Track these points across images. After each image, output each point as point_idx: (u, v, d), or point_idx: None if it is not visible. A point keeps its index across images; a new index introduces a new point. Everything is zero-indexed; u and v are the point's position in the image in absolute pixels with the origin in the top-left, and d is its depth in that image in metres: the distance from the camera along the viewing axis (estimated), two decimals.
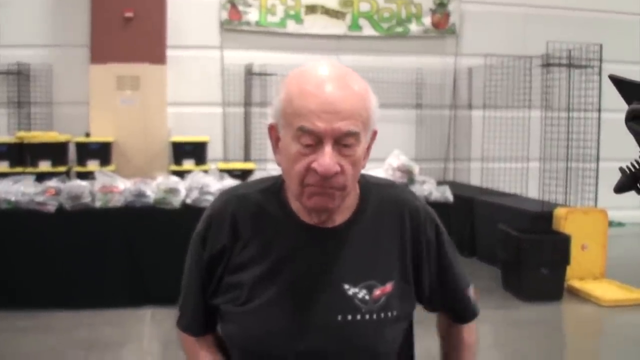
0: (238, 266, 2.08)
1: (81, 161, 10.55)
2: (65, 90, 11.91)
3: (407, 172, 9.08)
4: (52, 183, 8.39)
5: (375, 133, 2.06)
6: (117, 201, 8.24)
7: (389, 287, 2.08)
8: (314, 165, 1.89)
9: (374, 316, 2.06)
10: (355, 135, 1.91)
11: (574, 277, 9.19)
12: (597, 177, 10.06)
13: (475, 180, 12.82)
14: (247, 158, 12.37)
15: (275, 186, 2.15)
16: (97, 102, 11.15)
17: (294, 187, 1.97)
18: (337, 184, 1.93)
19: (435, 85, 13.63)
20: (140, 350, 7.01)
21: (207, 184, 8.50)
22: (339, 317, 2.02)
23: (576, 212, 9.62)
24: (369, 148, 2.05)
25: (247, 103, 12.71)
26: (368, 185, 2.18)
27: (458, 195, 9.70)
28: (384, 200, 2.17)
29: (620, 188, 1.55)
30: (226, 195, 2.21)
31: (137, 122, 11.14)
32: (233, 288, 2.07)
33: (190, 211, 8.25)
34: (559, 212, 9.55)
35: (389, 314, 2.08)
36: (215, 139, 12.23)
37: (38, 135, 10.71)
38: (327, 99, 1.89)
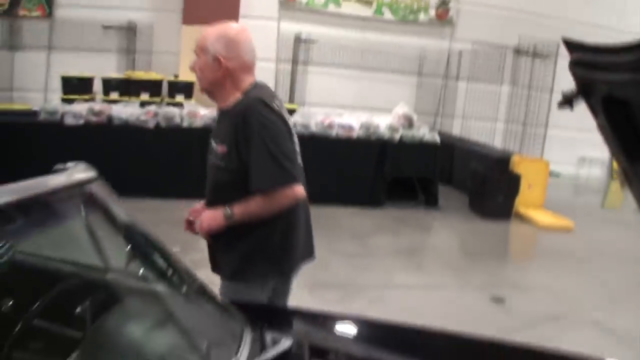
0: None
1: (171, 94, 10.77)
2: (162, 43, 12.12)
3: (409, 119, 9.36)
4: (152, 108, 8.77)
5: (218, 60, 2.64)
6: (198, 123, 8.61)
7: (224, 148, 2.65)
8: None
9: (218, 162, 2.68)
10: (196, 51, 2.72)
11: (521, 206, 9.49)
12: (544, 138, 10.33)
13: (456, 132, 12.98)
14: (291, 100, 12.55)
15: None
16: (185, 53, 11.30)
17: None
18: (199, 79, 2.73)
19: (433, 61, 13.68)
20: None
21: None
22: (214, 161, 2.72)
23: (526, 160, 9.90)
24: (220, 71, 2.65)
25: (295, 61, 12.86)
26: (247, 95, 2.67)
27: (443, 141, 9.88)
28: (244, 102, 2.63)
29: (560, 104, 1.48)
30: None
31: None
32: None
33: None
34: (514, 159, 9.82)
35: (222, 163, 2.65)
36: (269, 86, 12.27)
37: (141, 74, 10.98)
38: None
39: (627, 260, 7.59)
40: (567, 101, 1.36)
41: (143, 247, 1.95)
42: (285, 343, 1.72)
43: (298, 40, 12.79)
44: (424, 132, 9.48)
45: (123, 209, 1.91)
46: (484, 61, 12.50)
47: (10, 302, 1.83)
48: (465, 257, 7.58)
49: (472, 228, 8.79)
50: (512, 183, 9.29)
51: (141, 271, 1.90)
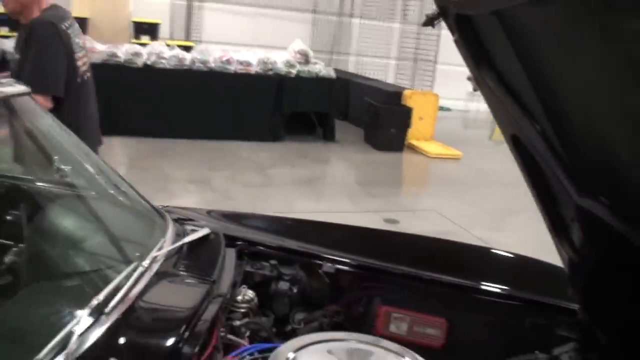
0: None
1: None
2: None
3: (305, 55, 9.63)
4: None
5: None
6: (96, 60, 8.54)
7: (20, 57, 3.18)
8: None
9: (17, 68, 3.20)
10: None
11: (412, 138, 10.01)
12: (434, 73, 10.88)
13: (351, 69, 13.29)
14: (187, 38, 12.53)
15: None
16: None
17: None
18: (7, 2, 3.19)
19: None
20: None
21: (162, 51, 8.92)
22: (14, 68, 3.26)
23: (417, 94, 10.43)
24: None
25: None
26: (42, 14, 3.20)
27: (339, 78, 10.19)
28: (36, 20, 3.18)
29: (424, 24, 1.66)
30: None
31: (108, 3, 10.96)
32: None
33: (150, 70, 8.67)
34: (406, 93, 10.32)
35: (19, 69, 3.17)
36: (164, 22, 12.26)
37: None
38: None
39: (510, 186, 8.26)
40: (430, 22, 1.58)
41: (68, 154, 2.18)
42: (205, 230, 2.02)
43: None
44: (320, 67, 9.75)
45: (50, 121, 2.13)
46: None
47: None
48: (361, 185, 8.03)
49: (367, 159, 9.24)
50: (403, 116, 9.75)
51: (69, 176, 2.13)
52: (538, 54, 1.31)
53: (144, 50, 8.79)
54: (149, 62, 8.71)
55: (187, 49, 10.26)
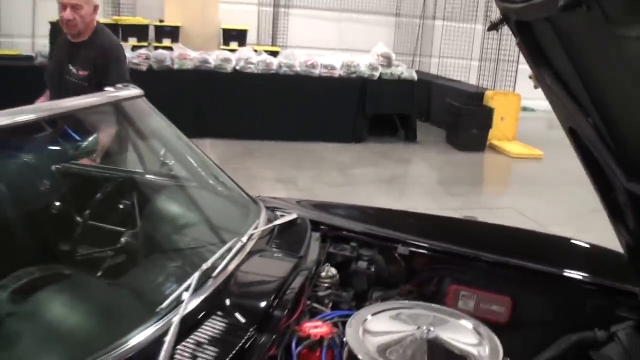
0: None
1: (158, 39, 11.05)
2: None
3: (387, 58, 9.81)
4: (143, 51, 9.12)
5: (96, 7, 3.73)
6: (189, 64, 9.00)
7: (85, 72, 3.68)
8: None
9: (78, 81, 3.67)
10: (77, 4, 3.59)
11: (494, 138, 10.03)
12: (515, 73, 10.81)
13: (433, 71, 13.32)
14: (273, 43, 12.89)
15: None
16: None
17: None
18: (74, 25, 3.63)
19: (409, 1, 13.92)
20: None
21: (250, 57, 9.30)
22: (67, 77, 3.72)
23: (499, 94, 10.40)
24: (94, 15, 3.73)
25: (276, 4, 13.12)
26: (103, 31, 3.79)
27: (421, 79, 10.33)
28: (105, 37, 3.79)
29: (489, 29, 1.85)
30: None
31: (198, 12, 11.27)
32: None
33: (239, 74, 9.06)
34: (488, 93, 10.33)
35: (85, 83, 3.63)
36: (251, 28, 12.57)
37: (128, 19, 11.29)
38: None
39: (590, 186, 8.20)
40: (494, 27, 1.78)
41: (175, 149, 2.48)
42: (293, 215, 2.28)
43: None
44: (402, 70, 9.90)
45: (160, 120, 2.42)
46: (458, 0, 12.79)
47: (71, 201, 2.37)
48: (441, 184, 8.15)
49: (448, 159, 9.34)
50: (484, 116, 9.79)
51: (175, 169, 2.44)
52: (584, 54, 1.50)
53: (233, 56, 9.19)
54: (237, 67, 9.10)
55: (274, 53, 10.53)
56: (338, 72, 9.52)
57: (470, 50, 12.41)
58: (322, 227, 2.39)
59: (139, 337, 1.43)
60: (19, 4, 12.02)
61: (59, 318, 1.60)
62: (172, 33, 11.07)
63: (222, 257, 1.75)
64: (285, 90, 9.15)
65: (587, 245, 2.69)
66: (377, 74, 9.63)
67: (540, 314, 2.26)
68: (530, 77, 1.90)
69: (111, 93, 2.18)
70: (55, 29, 10.14)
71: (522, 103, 10.78)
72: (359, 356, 1.57)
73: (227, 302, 1.66)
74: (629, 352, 1.97)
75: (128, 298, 1.71)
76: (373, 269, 2.31)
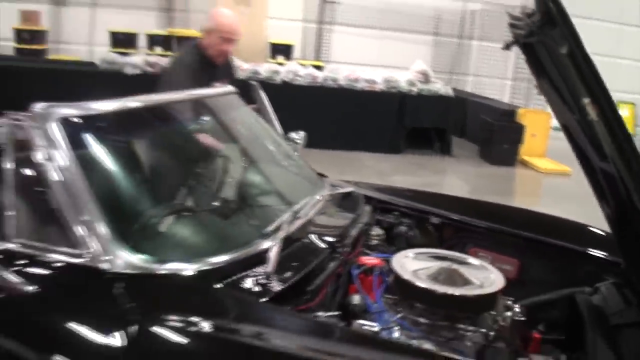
0: None
1: None
2: (199, 2, 12.83)
3: (425, 75, 10.45)
4: None
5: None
6: (241, 76, 9.71)
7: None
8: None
9: None
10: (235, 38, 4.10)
11: (524, 153, 10.59)
12: None
13: (469, 89, 13.93)
14: (317, 58, 13.59)
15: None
16: None
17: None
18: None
19: (447, 21, 14.35)
20: None
21: (297, 70, 10.03)
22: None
23: (531, 112, 10.96)
24: None
25: (321, 22, 13.84)
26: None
27: (457, 96, 10.95)
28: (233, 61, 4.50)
29: (502, 48, 2.39)
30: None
31: (247, 27, 12.00)
32: None
33: (287, 86, 9.80)
34: (520, 111, 10.89)
35: None
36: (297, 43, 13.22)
37: (181, 31, 12.06)
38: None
39: None
40: (507, 47, 2.33)
41: (261, 137, 3.22)
42: (350, 188, 2.98)
43: (324, 1, 13.71)
44: (439, 86, 10.54)
45: (249, 112, 3.15)
46: (495, 21, 13.11)
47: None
48: (471, 194, 8.71)
49: (480, 172, 9.93)
50: (515, 132, 10.36)
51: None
52: (561, 68, 2.16)
53: (281, 69, 9.93)
54: (286, 79, 9.83)
55: (317, 68, 11.15)
56: (379, 87, 10.20)
57: (504, 69, 12.94)
58: (372, 200, 3.08)
59: (260, 245, 2.15)
60: (78, 13, 12.88)
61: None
62: None
63: (304, 205, 2.46)
64: (330, 102, 9.86)
65: (601, 232, 3.15)
66: (415, 90, 10.27)
67: (541, 275, 2.88)
68: (535, 86, 2.55)
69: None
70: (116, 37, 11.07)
71: (553, 123, 11.29)
72: (400, 274, 2.24)
73: (309, 233, 2.35)
74: (607, 299, 2.59)
75: (246, 225, 2.46)
76: (411, 233, 2.97)
